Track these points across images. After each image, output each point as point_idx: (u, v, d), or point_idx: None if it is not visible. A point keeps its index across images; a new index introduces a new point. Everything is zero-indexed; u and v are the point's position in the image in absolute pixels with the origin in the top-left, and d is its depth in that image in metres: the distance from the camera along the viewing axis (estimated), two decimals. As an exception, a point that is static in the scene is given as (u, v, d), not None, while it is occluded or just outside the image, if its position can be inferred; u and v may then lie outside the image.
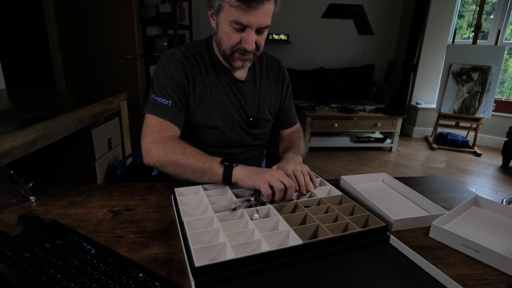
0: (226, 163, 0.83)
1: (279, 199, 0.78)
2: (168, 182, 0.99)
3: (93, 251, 0.60)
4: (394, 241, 0.68)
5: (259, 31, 0.89)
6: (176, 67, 0.96)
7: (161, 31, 4.28)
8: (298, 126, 1.25)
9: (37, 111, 1.42)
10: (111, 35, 2.94)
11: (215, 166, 0.84)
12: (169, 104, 0.94)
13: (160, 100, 0.94)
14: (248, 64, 0.98)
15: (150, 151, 0.88)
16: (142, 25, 3.66)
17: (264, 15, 0.86)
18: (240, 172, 0.82)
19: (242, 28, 0.87)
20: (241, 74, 1.05)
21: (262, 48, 0.96)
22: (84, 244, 0.62)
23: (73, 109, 1.52)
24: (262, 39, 0.93)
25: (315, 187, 0.88)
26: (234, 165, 0.83)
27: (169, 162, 0.87)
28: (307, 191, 0.85)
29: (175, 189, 0.83)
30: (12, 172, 0.79)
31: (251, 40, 0.89)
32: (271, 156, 1.35)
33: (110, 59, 3.00)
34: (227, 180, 0.83)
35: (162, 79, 0.96)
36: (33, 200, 0.82)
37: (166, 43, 3.81)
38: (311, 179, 0.88)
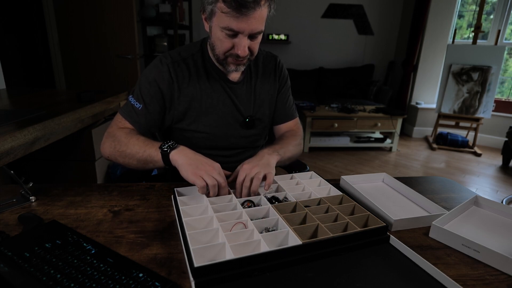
0: (163, 149, 0.85)
1: (214, 195, 0.79)
2: (168, 182, 0.98)
3: (93, 251, 0.60)
4: (394, 241, 0.68)
5: (252, 36, 0.88)
6: (159, 73, 0.97)
7: (161, 31, 4.28)
8: (295, 121, 1.19)
9: (37, 111, 1.42)
10: (111, 35, 2.93)
11: (154, 153, 0.86)
12: (139, 108, 0.98)
13: (132, 101, 0.99)
14: (242, 68, 0.97)
15: (102, 145, 0.96)
16: (142, 25, 3.67)
17: (256, 21, 0.84)
18: (178, 158, 0.82)
19: (234, 34, 0.86)
20: (235, 76, 1.05)
21: (256, 52, 0.95)
22: (84, 244, 0.62)
23: (73, 109, 1.52)
24: (255, 44, 0.92)
25: (264, 189, 0.83)
26: (168, 150, 0.84)
27: (117, 154, 0.92)
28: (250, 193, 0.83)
29: (175, 189, 0.83)
30: (12, 172, 0.79)
31: (243, 46, 0.88)
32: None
33: (110, 59, 2.99)
34: (168, 165, 0.85)
35: (143, 82, 0.99)
36: (33, 200, 0.82)
37: (166, 43, 3.82)
38: (266, 181, 0.83)
